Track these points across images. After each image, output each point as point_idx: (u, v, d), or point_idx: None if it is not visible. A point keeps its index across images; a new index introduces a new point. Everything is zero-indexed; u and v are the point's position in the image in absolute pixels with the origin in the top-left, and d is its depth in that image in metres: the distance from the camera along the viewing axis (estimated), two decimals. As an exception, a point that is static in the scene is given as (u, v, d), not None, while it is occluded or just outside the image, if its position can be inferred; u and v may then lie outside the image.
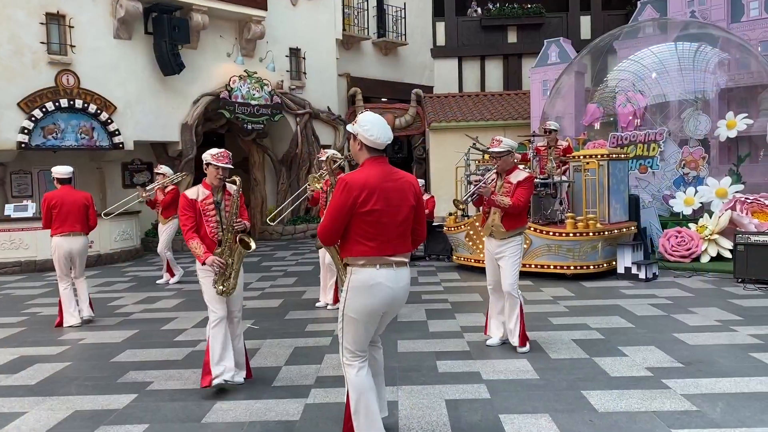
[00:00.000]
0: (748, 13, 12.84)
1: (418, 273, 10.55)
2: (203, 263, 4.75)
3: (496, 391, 4.71)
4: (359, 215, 3.35)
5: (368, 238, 3.36)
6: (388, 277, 3.37)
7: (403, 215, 3.43)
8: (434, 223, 11.89)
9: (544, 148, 9.91)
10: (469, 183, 9.08)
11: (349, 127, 3.46)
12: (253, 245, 4.81)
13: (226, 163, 4.91)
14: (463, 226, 10.29)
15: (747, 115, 11.42)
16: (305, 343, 6.30)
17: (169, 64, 14.09)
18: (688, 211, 10.89)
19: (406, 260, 3.49)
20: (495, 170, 5.52)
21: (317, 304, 8.05)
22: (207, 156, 4.92)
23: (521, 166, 8.95)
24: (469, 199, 5.54)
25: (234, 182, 4.94)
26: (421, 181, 12.16)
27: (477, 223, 10.13)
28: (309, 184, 7.64)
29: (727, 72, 12.01)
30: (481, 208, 5.68)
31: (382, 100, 20.17)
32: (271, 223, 10.25)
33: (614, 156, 9.75)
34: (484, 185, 5.44)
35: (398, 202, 3.40)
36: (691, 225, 10.15)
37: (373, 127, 3.37)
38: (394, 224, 3.40)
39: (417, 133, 18.78)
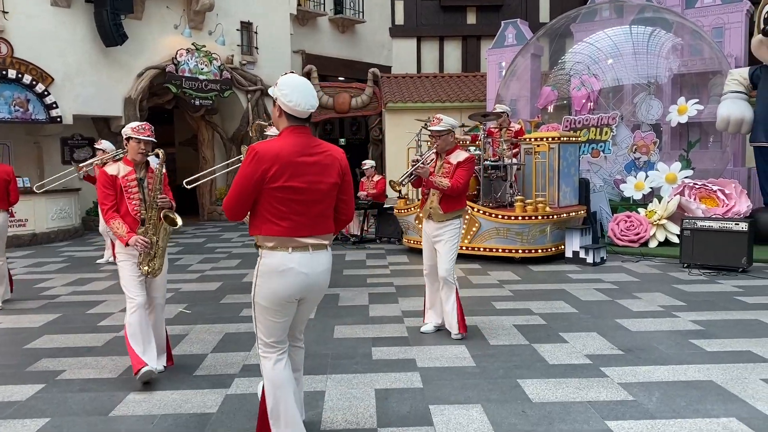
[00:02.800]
0: (702, -1, 12.84)
1: (367, 256, 10.31)
2: (126, 244, 4.39)
3: (430, 379, 4.50)
4: (269, 191, 3.01)
5: (279, 217, 3.02)
6: (302, 262, 3.05)
7: (322, 193, 3.09)
8: (386, 206, 11.66)
9: (496, 130, 9.72)
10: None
11: (270, 91, 3.11)
12: (179, 221, 4.49)
13: (148, 135, 4.55)
14: (413, 209, 10.07)
15: (698, 101, 11.45)
16: (237, 328, 5.99)
17: (111, 34, 13.42)
18: (638, 196, 10.87)
19: (326, 242, 3.15)
20: (434, 150, 5.19)
21: (256, 287, 7.68)
22: (127, 130, 4.58)
23: (472, 148, 9.08)
24: (406, 180, 5.28)
25: (157, 155, 4.58)
26: (371, 162, 11.90)
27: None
28: (242, 156, 7.22)
29: (680, 57, 12.01)
30: (420, 189, 5.48)
31: (339, 79, 19.75)
32: (187, 187, 9.83)
33: (565, 139, 9.64)
34: (422, 166, 5.15)
35: (317, 178, 3.05)
36: (640, 210, 10.13)
37: (292, 91, 3.00)
38: (311, 203, 3.06)
39: (373, 114, 18.47)
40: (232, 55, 16.31)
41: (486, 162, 9.35)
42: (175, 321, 6.27)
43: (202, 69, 15.32)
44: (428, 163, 5.20)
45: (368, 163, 11.64)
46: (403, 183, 5.31)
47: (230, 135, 16.86)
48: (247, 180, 2.99)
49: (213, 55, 15.52)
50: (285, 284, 3.05)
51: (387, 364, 4.79)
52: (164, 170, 4.66)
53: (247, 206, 3.04)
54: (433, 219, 5.10)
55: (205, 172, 7.29)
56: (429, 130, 5.45)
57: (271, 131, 7.31)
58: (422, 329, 5.70)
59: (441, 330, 5.68)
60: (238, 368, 4.83)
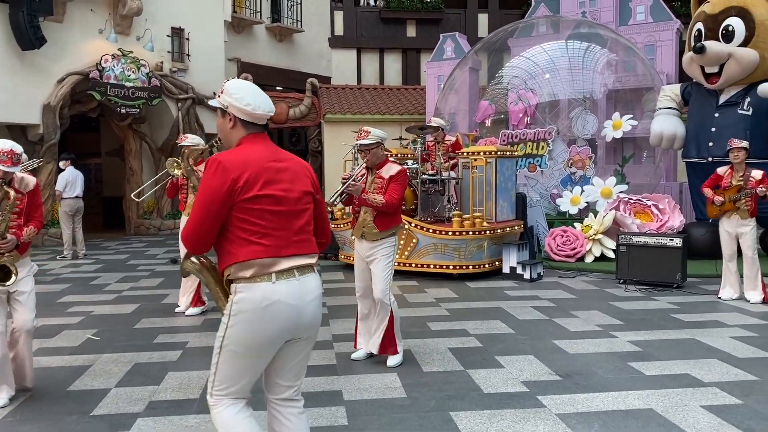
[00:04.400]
0: (635, 16, 13.03)
1: None
2: None
3: (356, 414, 4.11)
4: (241, 205, 2.51)
5: (259, 234, 2.52)
6: (290, 292, 2.51)
7: (302, 203, 2.63)
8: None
9: (432, 143, 9.47)
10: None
11: (213, 102, 2.68)
12: (12, 279, 4.04)
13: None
14: (348, 224, 9.68)
15: (632, 116, 11.52)
16: (149, 358, 5.45)
17: (28, 37, 12.57)
18: (574, 211, 10.82)
19: (312, 262, 2.64)
20: (364, 164, 4.93)
21: (176, 310, 7.17)
22: None
23: (410, 162, 8.80)
24: (338, 200, 4.90)
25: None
26: None
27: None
28: (169, 169, 6.70)
29: (614, 73, 12.10)
30: (351, 207, 5.16)
31: (277, 88, 19.19)
32: (137, 199, 9.31)
33: (502, 153, 9.53)
34: (353, 183, 4.85)
35: (291, 186, 2.60)
36: (576, 224, 10.05)
37: (247, 94, 2.61)
38: (290, 216, 2.59)
39: (312, 125, 17.93)
40: (162, 62, 15.61)
41: (424, 176, 9.08)
42: (79, 350, 5.69)
43: (128, 76, 14.57)
44: (359, 180, 4.92)
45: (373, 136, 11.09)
46: (335, 203, 4.97)
47: (159, 145, 16.11)
48: (213, 195, 2.48)
49: (141, 62, 14.80)
50: (269, 323, 2.49)
51: (310, 397, 4.38)
52: (20, 195, 4.19)
53: (215, 230, 2.52)
54: (367, 238, 4.78)
55: (149, 182, 6.77)
56: (358, 145, 5.09)
57: (190, 139, 6.78)
58: (353, 356, 5.33)
59: (373, 356, 5.30)
60: (143, 405, 4.33)
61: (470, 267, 8.82)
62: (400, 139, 10.45)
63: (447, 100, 13.44)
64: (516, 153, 10.25)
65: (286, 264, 2.52)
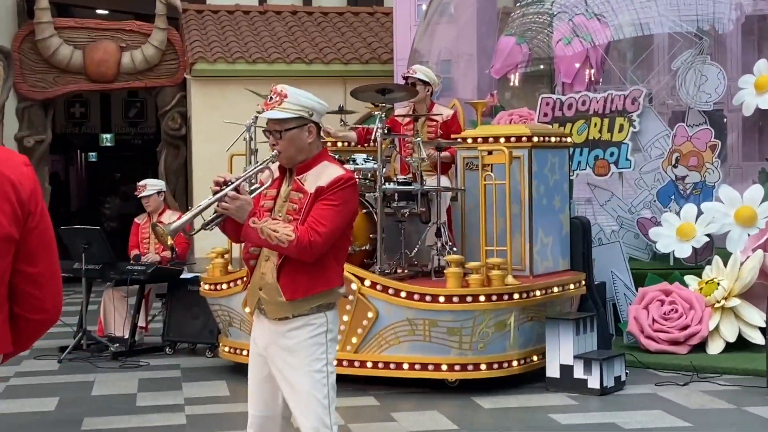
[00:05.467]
0: None
1: (141, 385, 6.08)
2: None
3: None
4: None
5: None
6: None
7: None
8: (186, 274, 7.09)
9: (407, 121, 6.22)
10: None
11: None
12: None
13: None
14: (239, 281, 5.93)
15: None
16: None
17: None
18: (683, 251, 7.32)
19: None
20: (272, 159, 2.82)
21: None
22: None
23: (359, 158, 5.88)
24: (211, 226, 2.81)
25: None
26: (155, 184, 7.19)
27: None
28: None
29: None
30: (241, 248, 3.22)
31: (98, 12, 13.14)
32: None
33: (543, 140, 6.28)
34: (235, 195, 2.64)
35: None
36: (689, 279, 6.82)
37: None
38: None
39: (170, 85, 11.48)
40: None
41: (388, 185, 5.75)
42: None
43: None
44: (256, 191, 2.83)
45: (151, 186, 7.03)
46: (208, 227, 2.80)
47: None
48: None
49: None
50: None
51: None
52: None
53: None
54: (269, 315, 2.83)
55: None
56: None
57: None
58: None
59: None
60: None
61: (482, 366, 5.92)
62: (341, 111, 6.42)
63: (434, 35, 9.42)
64: (569, 139, 6.91)
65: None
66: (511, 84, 8.91)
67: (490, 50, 9.25)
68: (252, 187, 2.59)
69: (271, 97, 2.61)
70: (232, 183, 2.48)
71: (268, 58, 10.92)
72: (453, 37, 9.45)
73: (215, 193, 2.49)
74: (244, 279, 4.69)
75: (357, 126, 6.29)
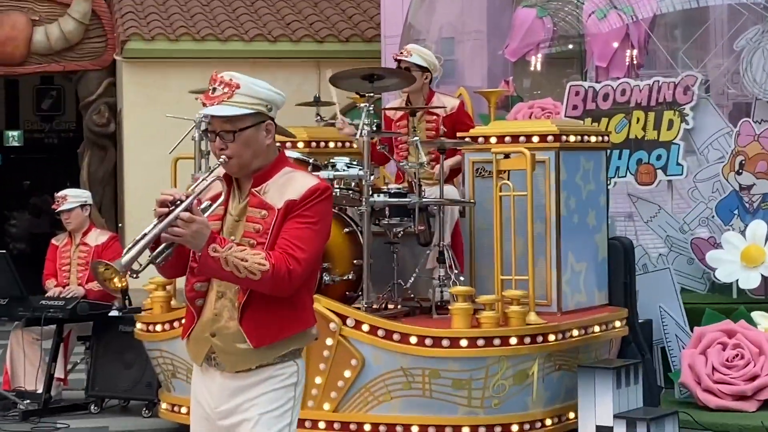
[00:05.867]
0: None
1: None
2: None
3: None
4: None
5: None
6: None
7: None
8: (116, 311, 5.97)
9: (400, 116, 5.31)
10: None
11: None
12: None
13: None
14: (182, 321, 4.88)
15: None
16: None
17: None
18: (750, 281, 6.12)
19: None
20: (215, 169, 2.39)
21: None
22: None
23: (339, 162, 4.90)
24: (160, 260, 2.29)
25: None
26: (78, 195, 6.04)
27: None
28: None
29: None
30: (185, 283, 2.48)
31: None
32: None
33: (575, 140, 5.35)
34: (189, 221, 2.15)
35: None
36: (758, 317, 5.77)
37: None
38: None
39: (95, 68, 9.83)
40: None
41: (377, 197, 4.78)
42: None
43: None
44: (209, 210, 2.39)
45: (73, 198, 5.91)
46: (158, 262, 2.41)
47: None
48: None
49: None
50: None
51: None
52: None
53: None
54: (227, 367, 2.49)
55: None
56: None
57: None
58: None
59: None
60: None
61: (497, 429, 4.91)
62: (318, 103, 5.42)
63: (434, 6, 8.13)
64: (605, 138, 5.88)
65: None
66: (531, 68, 7.71)
67: (505, 26, 8.05)
68: (201, 206, 2.17)
69: (214, 88, 2.22)
70: (183, 201, 2.13)
71: (221, 35, 9.12)
72: (458, 9, 8.14)
73: (160, 216, 2.15)
74: (183, 321, 3.84)
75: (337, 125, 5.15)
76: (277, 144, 2.40)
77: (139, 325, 5.10)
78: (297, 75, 7.56)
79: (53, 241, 5.75)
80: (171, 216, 2.03)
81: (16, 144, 13.32)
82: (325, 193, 2.24)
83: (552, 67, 7.80)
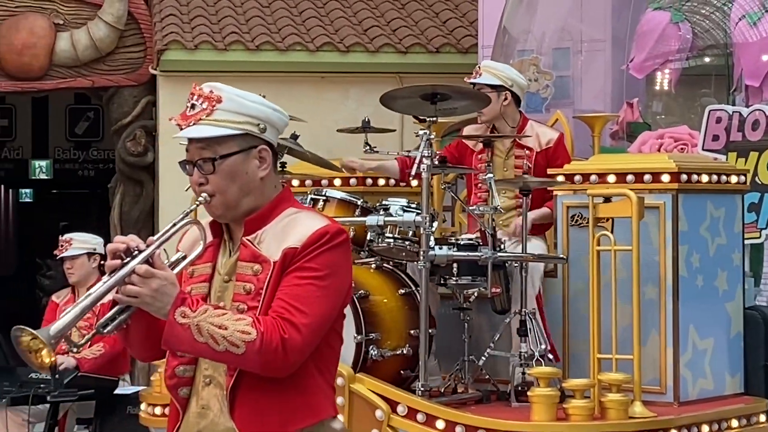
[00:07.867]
0: None
1: None
2: None
3: None
4: None
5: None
6: None
7: None
8: (124, 388, 4.86)
9: (481, 148, 4.23)
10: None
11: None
12: None
13: None
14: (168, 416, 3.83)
15: None
16: None
17: None
18: None
19: None
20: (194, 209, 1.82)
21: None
22: None
23: (394, 205, 3.97)
24: (111, 327, 1.72)
25: None
26: (89, 239, 4.95)
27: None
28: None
29: None
30: (165, 366, 1.93)
31: None
32: None
33: (699, 180, 4.23)
34: (147, 277, 1.65)
35: None
36: None
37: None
38: None
39: (129, 84, 7.92)
40: None
41: (440, 249, 3.76)
42: None
43: None
44: (179, 266, 1.89)
45: (79, 243, 4.88)
46: (106, 331, 1.85)
47: None
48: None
49: None
50: None
51: None
52: None
53: None
54: None
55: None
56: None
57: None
58: None
59: None
60: None
61: None
62: (366, 128, 4.45)
63: (536, 8, 6.52)
64: (743, 178, 4.75)
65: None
66: (659, 86, 6.22)
67: (627, 34, 6.44)
68: (172, 258, 1.81)
69: (193, 104, 1.84)
70: (141, 252, 1.78)
71: (280, 43, 7.57)
72: (565, 11, 6.51)
73: (112, 270, 1.80)
74: (167, 413, 3.19)
75: (399, 153, 4.21)
76: (282, 179, 1.79)
77: (143, 406, 4.17)
78: (373, 93, 5.84)
79: (53, 297, 4.82)
80: (123, 270, 1.67)
81: (44, 176, 11.19)
82: (337, 239, 1.80)
83: (688, 86, 6.34)
